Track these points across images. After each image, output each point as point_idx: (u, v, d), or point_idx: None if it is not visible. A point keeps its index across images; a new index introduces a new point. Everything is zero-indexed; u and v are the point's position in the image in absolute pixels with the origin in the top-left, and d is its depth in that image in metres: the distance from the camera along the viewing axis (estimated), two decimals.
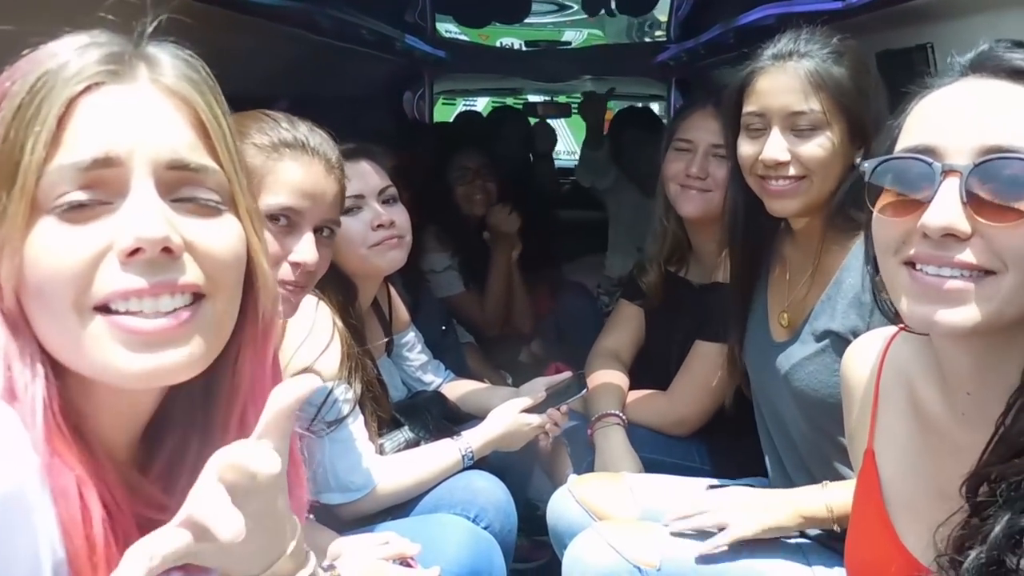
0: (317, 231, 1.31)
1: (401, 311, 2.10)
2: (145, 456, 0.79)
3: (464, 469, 1.72)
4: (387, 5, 2.82)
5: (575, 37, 6.39)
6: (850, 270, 1.48)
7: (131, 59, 0.72)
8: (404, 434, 1.80)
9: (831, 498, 1.40)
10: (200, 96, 0.74)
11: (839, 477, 1.48)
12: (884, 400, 1.08)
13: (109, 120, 0.69)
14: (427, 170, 2.89)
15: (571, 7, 5.24)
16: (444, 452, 1.72)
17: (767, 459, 1.73)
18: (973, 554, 0.84)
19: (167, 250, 0.67)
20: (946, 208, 0.84)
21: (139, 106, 0.70)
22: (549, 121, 5.19)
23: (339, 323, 1.63)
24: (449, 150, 3.15)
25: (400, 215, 1.77)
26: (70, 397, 0.70)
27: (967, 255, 0.84)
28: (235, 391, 0.79)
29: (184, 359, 0.70)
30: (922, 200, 0.86)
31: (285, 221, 1.27)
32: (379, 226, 1.72)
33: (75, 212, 0.67)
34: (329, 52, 2.61)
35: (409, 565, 1.37)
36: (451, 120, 5.02)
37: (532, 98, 6.18)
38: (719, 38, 2.58)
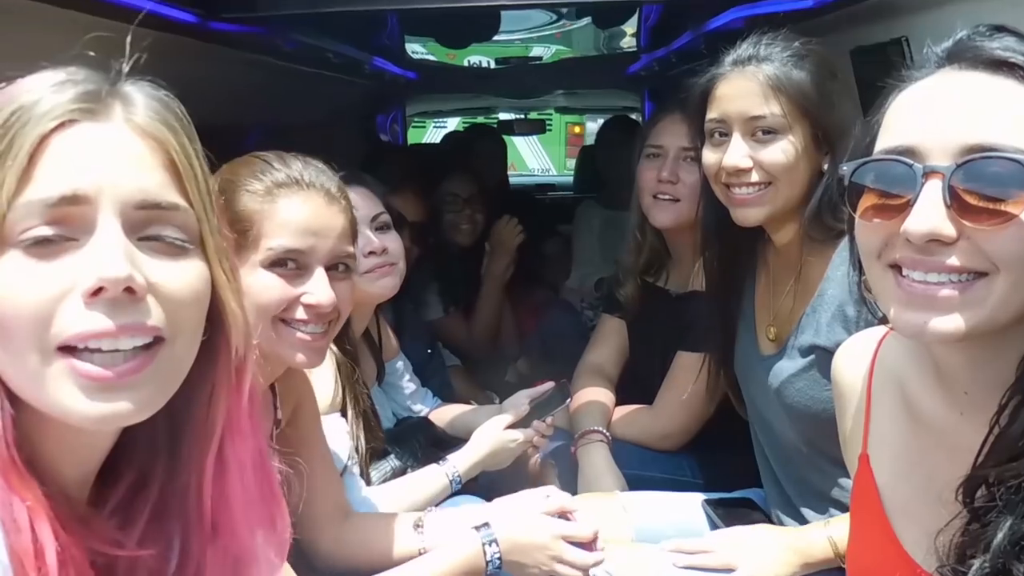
0: (330, 268, 1.24)
1: (390, 338, 2.07)
2: (99, 492, 0.78)
3: (454, 494, 1.68)
4: (353, 28, 2.78)
5: (544, 52, 6.41)
6: (831, 281, 1.46)
7: (107, 97, 0.73)
8: (391, 462, 1.78)
9: (835, 534, 1.37)
10: (173, 136, 0.75)
11: (835, 487, 1.45)
12: (877, 403, 1.05)
13: (79, 158, 0.69)
14: (420, 199, 2.82)
15: (539, 23, 5.25)
16: (431, 478, 1.70)
17: (761, 471, 1.69)
18: (977, 564, 0.81)
19: (129, 290, 0.68)
20: (929, 213, 0.80)
21: (111, 145, 0.71)
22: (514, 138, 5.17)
23: (337, 352, 1.60)
24: (438, 175, 3.10)
25: (393, 242, 1.76)
26: (25, 429, 0.70)
27: (954, 259, 0.81)
28: (211, 428, 0.79)
29: (138, 404, 0.70)
30: (904, 203, 0.83)
31: (293, 264, 1.21)
32: (371, 253, 1.70)
33: (40, 247, 0.67)
34: (298, 77, 2.58)
35: (568, 519, 1.38)
36: (438, 142, 4.99)
37: (504, 116, 6.19)
38: (689, 44, 2.56)
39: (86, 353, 0.67)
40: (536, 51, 6.49)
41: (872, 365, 1.06)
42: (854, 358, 1.10)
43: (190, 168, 0.75)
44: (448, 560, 1.30)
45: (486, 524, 1.34)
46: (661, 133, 2.02)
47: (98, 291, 0.66)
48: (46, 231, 0.67)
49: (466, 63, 5.67)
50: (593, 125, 7.68)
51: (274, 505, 0.87)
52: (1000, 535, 0.79)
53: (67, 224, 0.68)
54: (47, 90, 0.71)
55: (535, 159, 9.38)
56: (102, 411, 0.68)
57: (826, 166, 1.45)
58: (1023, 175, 0.78)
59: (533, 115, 6.38)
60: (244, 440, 0.81)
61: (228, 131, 1.28)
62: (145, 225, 0.71)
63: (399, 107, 4.98)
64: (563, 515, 1.37)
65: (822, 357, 1.43)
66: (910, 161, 0.83)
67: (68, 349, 0.67)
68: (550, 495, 1.40)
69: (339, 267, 1.26)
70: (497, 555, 1.31)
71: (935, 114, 0.83)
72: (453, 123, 7.06)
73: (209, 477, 0.79)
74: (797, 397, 1.49)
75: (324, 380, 1.56)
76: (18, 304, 0.66)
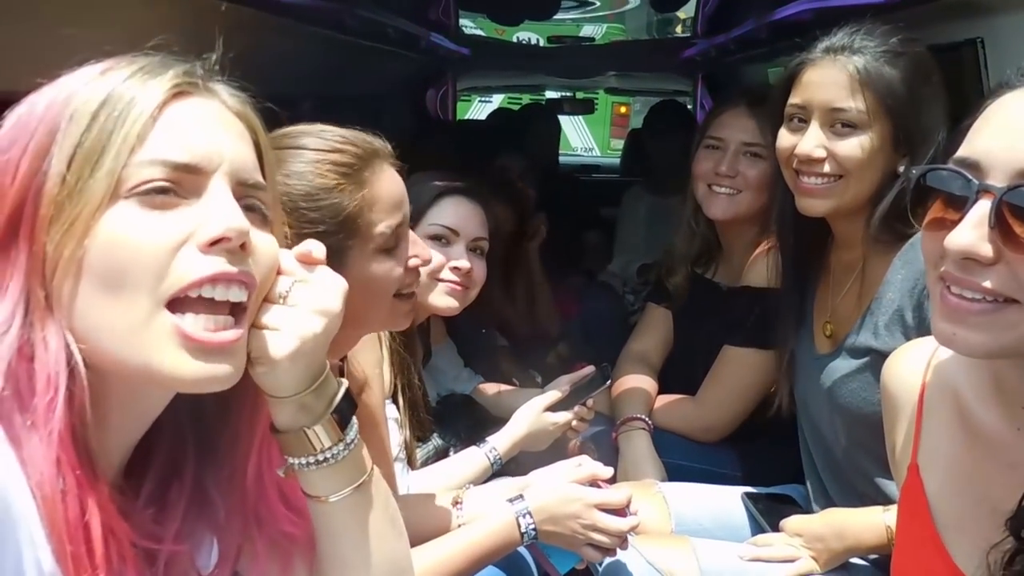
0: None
1: (438, 322, 2.08)
2: (127, 483, 0.78)
3: (494, 475, 1.70)
4: (411, 2, 2.79)
5: (595, 32, 6.35)
6: (890, 285, 1.43)
7: (200, 79, 0.77)
8: (434, 442, 1.80)
9: (892, 523, 1.35)
10: (256, 119, 0.81)
11: (878, 491, 1.44)
12: (929, 412, 1.03)
13: (198, 127, 0.74)
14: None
15: (593, 3, 5.20)
16: (472, 460, 1.71)
17: (805, 469, 1.69)
18: None
19: (243, 245, 0.72)
20: (970, 231, 0.80)
21: (223, 119, 0.76)
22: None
23: (389, 340, 1.62)
24: (489, 151, 3.10)
25: (479, 269, 1.78)
26: (79, 401, 0.70)
27: (988, 282, 0.80)
28: (257, 414, 0.81)
29: (234, 369, 0.73)
30: (960, 217, 0.82)
31: (397, 238, 1.22)
32: (456, 269, 1.72)
33: (157, 197, 0.70)
34: (354, 51, 2.60)
35: (599, 487, 1.39)
36: (485, 118, 4.97)
37: (550, 94, 6.15)
38: (751, 33, 2.53)
39: (190, 304, 0.70)
40: (587, 30, 6.43)
41: (926, 373, 1.05)
42: (906, 367, 1.09)
43: (268, 151, 0.81)
44: (484, 532, 1.32)
45: (520, 497, 1.36)
46: (723, 126, 1.99)
47: (218, 241, 0.70)
48: (164, 184, 0.70)
49: (515, 39, 5.64)
50: (639, 106, 7.59)
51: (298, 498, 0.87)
52: None
53: (183, 183, 0.71)
54: (154, 64, 0.75)
55: (578, 138, 9.31)
56: (201, 372, 0.70)
57: (902, 168, 1.42)
58: None
59: (581, 95, 6.33)
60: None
61: (283, 100, 1.27)
62: (241, 197, 0.75)
63: (450, 82, 4.97)
64: (595, 483, 1.38)
65: (877, 360, 1.40)
66: (969, 176, 0.82)
67: (176, 303, 0.69)
68: (582, 464, 1.41)
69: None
70: (532, 526, 1.33)
71: (1008, 131, 0.82)
72: (498, 99, 7.03)
73: (254, 467, 0.81)
74: (849, 398, 1.48)
75: (377, 367, 1.57)
76: (138, 250, 0.68)
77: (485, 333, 2.51)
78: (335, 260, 1.18)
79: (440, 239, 1.73)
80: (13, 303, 0.68)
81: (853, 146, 1.42)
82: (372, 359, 1.47)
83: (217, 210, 0.71)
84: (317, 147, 1.18)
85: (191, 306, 0.70)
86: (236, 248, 0.72)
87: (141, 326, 0.69)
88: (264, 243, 0.77)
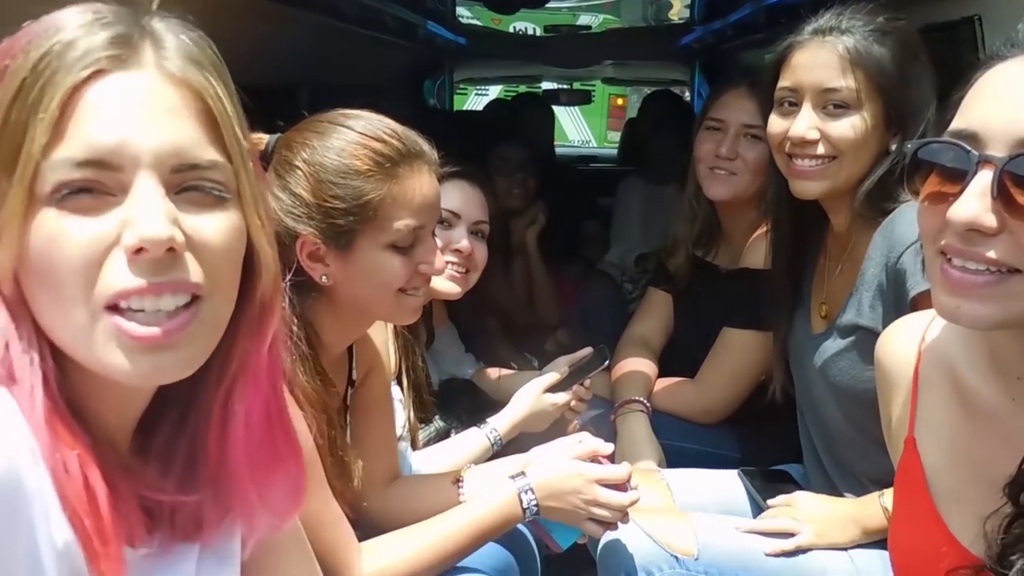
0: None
1: (440, 305, 2.09)
2: (142, 438, 0.79)
3: (494, 455, 1.71)
4: None
5: (592, 21, 6.33)
6: (872, 260, 1.44)
7: (138, 41, 0.70)
8: (436, 424, 1.82)
9: (889, 505, 1.36)
10: (208, 81, 0.72)
11: (874, 467, 1.45)
12: (924, 386, 1.04)
13: (114, 115, 0.67)
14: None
15: None
16: (472, 441, 1.73)
17: (803, 448, 1.70)
18: (1016, 567, 0.82)
19: (170, 249, 0.67)
20: (973, 201, 0.80)
21: (145, 99, 0.69)
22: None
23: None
24: (490, 140, 3.11)
25: (480, 252, 1.81)
26: (71, 381, 0.71)
27: (992, 252, 0.81)
28: (224, 371, 0.77)
29: (182, 362, 0.71)
30: (960, 189, 0.82)
31: (413, 239, 1.25)
32: (456, 251, 1.75)
33: (77, 201, 0.66)
34: (351, 39, 2.59)
35: (600, 463, 1.40)
36: (482, 109, 4.97)
37: (547, 85, 6.14)
38: (749, 18, 2.53)
39: (130, 312, 0.67)
40: (584, 19, 6.42)
41: (920, 347, 1.05)
42: (900, 341, 1.09)
43: (226, 114, 0.72)
44: (486, 509, 1.33)
45: (522, 473, 1.37)
46: (724, 107, 2.00)
47: (139, 250, 0.66)
48: (83, 184, 0.66)
49: (512, 29, 5.62)
50: (637, 97, 7.58)
51: (287, 460, 0.85)
52: None
53: (103, 181, 0.67)
54: (78, 31, 0.68)
55: (576, 130, 9.31)
56: (147, 370, 0.69)
57: (894, 146, 1.43)
58: None
59: (578, 85, 6.33)
60: (257, 388, 0.79)
61: (279, 88, 1.28)
62: (182, 181, 0.70)
63: (446, 72, 4.97)
64: (595, 459, 1.39)
65: (863, 337, 1.42)
66: (968, 147, 0.82)
67: (114, 307, 0.67)
68: (583, 440, 1.42)
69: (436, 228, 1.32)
70: (534, 502, 1.34)
71: (1004, 101, 0.82)
72: (495, 91, 7.03)
73: (214, 421, 0.78)
74: (840, 376, 1.49)
75: (383, 349, 1.59)
76: (64, 259, 0.66)
77: (485, 320, 2.52)
78: (343, 240, 1.20)
79: (442, 222, 1.74)
80: None
81: (846, 127, 1.43)
82: (378, 341, 1.49)
83: (135, 216, 0.66)
84: (363, 131, 1.22)
85: (131, 310, 0.68)
86: (161, 256, 0.67)
87: (85, 329, 0.67)
88: (210, 233, 0.70)
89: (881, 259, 1.40)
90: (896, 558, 1.07)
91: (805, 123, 1.45)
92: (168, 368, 0.70)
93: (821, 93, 1.44)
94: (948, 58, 1.46)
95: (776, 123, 1.51)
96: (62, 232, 0.66)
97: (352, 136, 1.22)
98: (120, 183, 0.67)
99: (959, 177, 0.83)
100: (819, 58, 1.44)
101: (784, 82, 1.49)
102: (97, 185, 0.67)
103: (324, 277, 1.22)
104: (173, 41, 0.71)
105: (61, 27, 0.68)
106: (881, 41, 1.42)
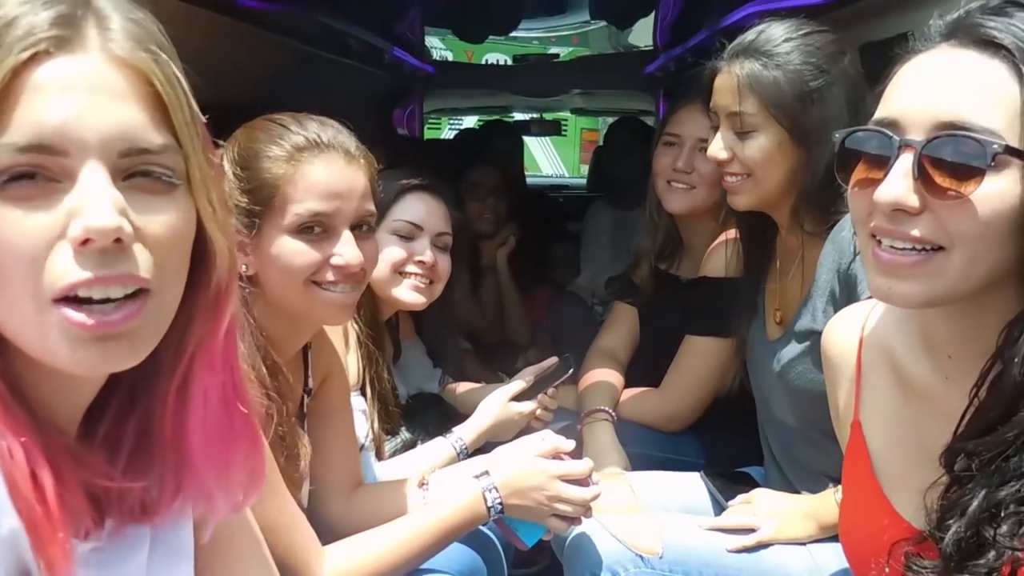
0: (355, 228, 1.26)
1: (407, 319, 2.11)
2: (88, 424, 0.78)
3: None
4: (376, 15, 2.83)
5: (562, 52, 6.44)
6: (823, 267, 1.49)
7: (81, 20, 0.67)
8: (402, 435, 1.82)
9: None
10: (156, 64, 0.69)
11: (830, 463, 1.48)
12: (867, 371, 1.08)
13: (57, 98, 0.65)
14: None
15: (559, 14, 5.28)
16: (438, 450, 1.73)
17: (764, 451, 1.73)
18: (953, 528, 0.86)
19: (118, 240, 0.66)
20: (896, 183, 0.85)
21: (88, 83, 0.66)
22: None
23: (359, 333, 1.66)
24: (459, 168, 3.16)
25: (444, 263, 1.81)
26: (16, 369, 0.70)
27: (916, 230, 0.85)
28: (179, 356, 0.77)
29: (130, 352, 0.70)
30: (884, 173, 0.87)
31: (319, 228, 1.24)
32: (420, 262, 1.75)
33: (20, 188, 0.64)
34: (318, 62, 2.63)
35: (562, 459, 1.41)
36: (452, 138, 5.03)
37: (519, 116, 6.23)
38: (705, 42, 2.59)
39: (77, 302, 0.66)
40: (553, 50, 6.52)
41: (861, 335, 1.10)
42: (843, 330, 1.14)
43: (175, 97, 0.70)
44: (451, 509, 1.34)
45: (486, 472, 1.38)
46: (679, 122, 2.06)
47: (86, 241, 0.65)
48: (24, 171, 0.64)
49: (484, 61, 5.71)
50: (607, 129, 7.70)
51: (245, 444, 0.84)
52: (975, 503, 0.85)
53: (46, 166, 0.65)
54: (19, 9, 0.65)
55: (548, 163, 9.42)
56: (95, 359, 0.68)
57: (807, 161, 1.48)
58: (983, 155, 0.81)
59: (549, 116, 6.42)
60: (213, 372, 0.79)
61: (244, 110, 1.31)
62: (129, 167, 0.68)
63: (416, 101, 5.03)
64: (557, 456, 1.41)
65: (818, 342, 1.45)
66: (890, 133, 0.87)
67: (62, 299, 0.66)
68: (545, 438, 1.44)
69: (363, 227, 1.28)
70: (498, 500, 1.35)
71: (919, 89, 0.88)
72: (469, 122, 7.11)
73: (170, 405, 0.77)
74: (797, 380, 1.53)
75: (347, 359, 1.60)
76: (10, 251, 0.64)
77: (454, 338, 2.54)
78: (251, 224, 1.22)
79: (404, 234, 1.76)
80: None
81: (752, 147, 1.51)
82: (335, 351, 1.50)
83: (82, 205, 0.65)
84: (283, 123, 1.27)
85: (78, 300, 0.67)
86: (109, 247, 0.65)
87: (32, 321, 0.66)
88: (158, 223, 0.69)
89: (833, 265, 1.45)
90: (845, 539, 1.10)
91: (718, 144, 1.55)
92: (116, 357, 0.69)
93: (728, 117, 1.53)
94: (887, 71, 1.53)
95: (711, 140, 1.60)
96: (5, 224, 0.64)
97: (273, 128, 1.26)
98: (65, 169, 0.65)
99: (883, 162, 0.88)
100: (724, 83, 1.53)
101: (711, 102, 1.59)
102: (41, 170, 0.64)
103: (244, 266, 1.23)
104: (119, 21, 0.69)
105: (1, 3, 0.65)
106: (782, 62, 1.47)
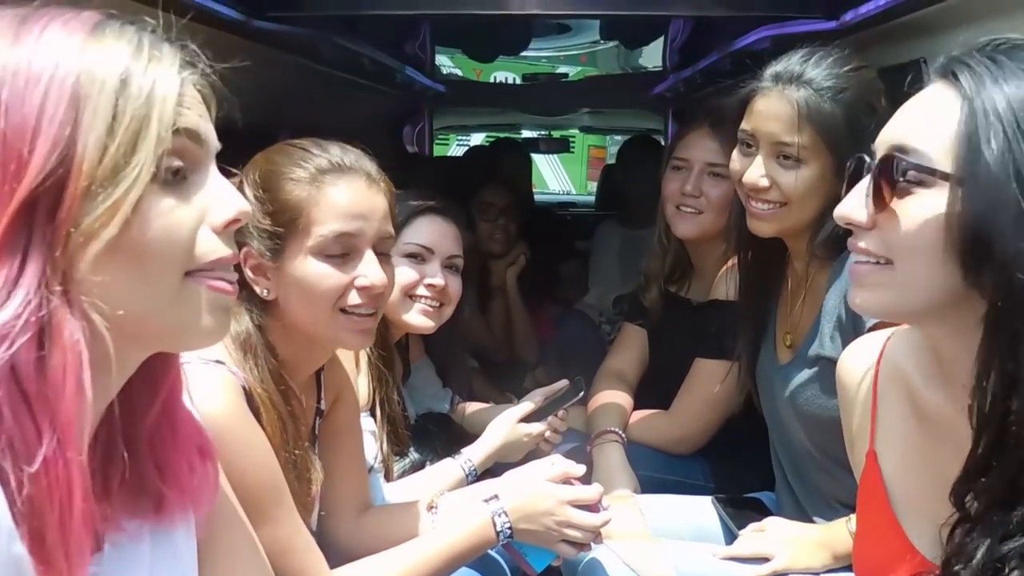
0: (377, 251, 1.27)
1: (416, 340, 2.11)
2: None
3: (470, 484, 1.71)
4: (387, 35, 2.85)
5: (570, 71, 6.48)
6: (832, 293, 1.48)
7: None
8: (411, 456, 1.81)
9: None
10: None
11: (843, 491, 1.48)
12: (883, 400, 1.08)
13: (189, 100, 0.75)
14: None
15: (567, 42, 5.32)
16: (447, 471, 1.72)
17: (776, 476, 1.72)
18: (962, 565, 0.86)
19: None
20: (849, 200, 0.93)
21: (196, 90, 0.78)
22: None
23: (371, 354, 1.65)
24: (469, 184, 3.16)
25: (455, 286, 1.80)
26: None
27: (864, 243, 0.92)
28: (164, 378, 0.83)
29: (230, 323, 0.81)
30: None
31: (344, 250, 1.24)
32: (430, 286, 1.75)
33: (176, 177, 0.73)
34: (331, 82, 2.65)
35: (572, 484, 1.41)
36: (462, 155, 5.06)
37: (527, 134, 6.25)
38: (715, 64, 2.61)
39: (215, 278, 0.76)
40: (563, 69, 6.56)
41: (878, 364, 1.10)
42: (859, 358, 1.14)
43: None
44: (460, 533, 1.34)
45: (495, 496, 1.37)
46: (688, 147, 2.06)
47: (230, 223, 0.76)
48: (177, 162, 0.73)
49: (492, 79, 5.74)
50: (615, 148, 7.73)
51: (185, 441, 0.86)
52: (979, 554, 0.85)
53: (193, 160, 0.75)
54: (143, 35, 0.74)
55: (556, 181, 9.43)
56: (217, 325, 0.77)
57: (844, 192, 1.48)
58: (917, 177, 0.87)
59: (556, 134, 6.45)
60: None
61: (258, 129, 1.32)
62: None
63: (426, 119, 5.06)
64: (568, 481, 1.40)
65: (826, 367, 1.45)
66: (867, 158, 0.94)
67: (192, 273, 0.74)
68: (555, 463, 1.43)
69: (383, 249, 1.29)
70: (508, 525, 1.34)
71: (894, 119, 0.94)
72: (477, 139, 7.14)
73: (154, 415, 0.82)
74: (807, 405, 1.53)
75: (358, 380, 1.59)
76: (169, 233, 0.72)
77: (463, 357, 2.54)
78: (274, 247, 1.22)
79: (415, 257, 1.76)
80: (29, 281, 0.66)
81: (795, 178, 1.48)
82: (345, 372, 1.50)
83: (223, 191, 0.77)
84: (304, 147, 1.28)
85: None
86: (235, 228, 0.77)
87: (169, 292, 0.73)
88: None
89: (840, 291, 1.45)
90: (859, 570, 1.09)
91: (758, 171, 1.51)
92: (227, 327, 0.80)
93: (774, 144, 1.50)
94: (900, 96, 1.54)
95: (736, 161, 1.58)
96: (167, 207, 0.72)
97: (294, 152, 1.27)
98: (198, 162, 0.76)
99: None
100: (774, 109, 1.49)
101: (745, 124, 1.55)
102: (188, 164, 0.75)
103: (265, 291, 1.23)
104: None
105: (111, 36, 0.72)
106: (835, 97, 1.46)
